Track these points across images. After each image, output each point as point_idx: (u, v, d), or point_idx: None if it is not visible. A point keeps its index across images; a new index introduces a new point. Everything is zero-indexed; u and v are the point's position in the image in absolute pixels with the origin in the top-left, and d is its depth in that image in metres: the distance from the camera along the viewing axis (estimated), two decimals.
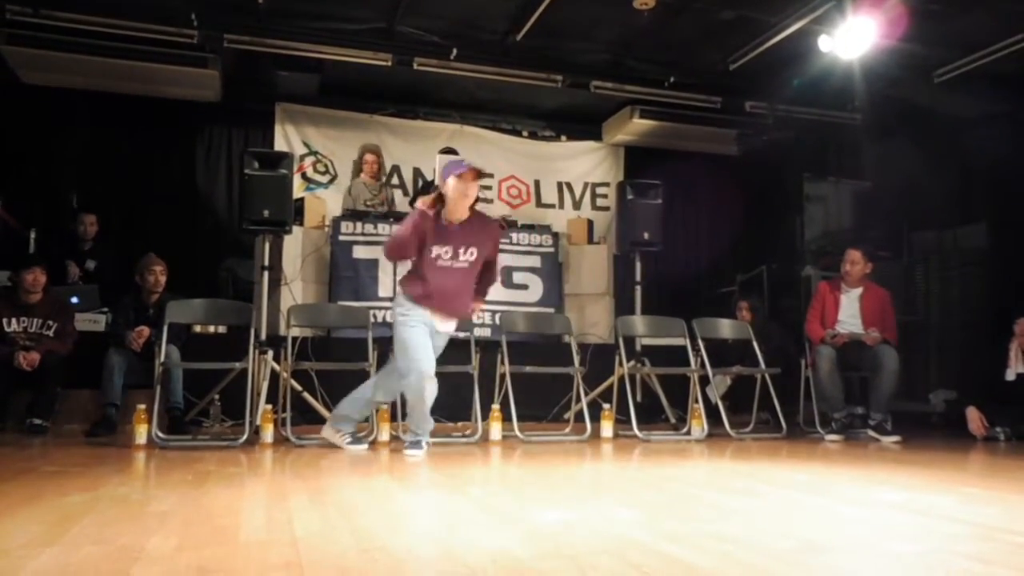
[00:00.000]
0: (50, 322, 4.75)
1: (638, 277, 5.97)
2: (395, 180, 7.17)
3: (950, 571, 1.70)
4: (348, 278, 5.61)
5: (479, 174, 3.78)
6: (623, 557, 1.74)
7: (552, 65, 6.34)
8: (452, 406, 4.59)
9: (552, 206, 7.62)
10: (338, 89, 6.79)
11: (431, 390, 3.79)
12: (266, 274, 5.04)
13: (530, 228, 6.18)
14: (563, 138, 7.76)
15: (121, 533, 1.97)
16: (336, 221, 5.75)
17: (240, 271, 5.97)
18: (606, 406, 4.82)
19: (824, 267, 6.50)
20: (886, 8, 4.92)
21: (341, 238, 5.67)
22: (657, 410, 5.48)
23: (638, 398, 5.38)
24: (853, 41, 5.06)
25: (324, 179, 7.08)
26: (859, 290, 5.18)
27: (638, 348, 5.58)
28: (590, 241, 6.62)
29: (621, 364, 5.05)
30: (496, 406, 4.49)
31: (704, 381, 5.16)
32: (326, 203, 6.41)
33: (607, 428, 4.68)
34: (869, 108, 6.69)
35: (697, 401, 4.91)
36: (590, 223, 6.77)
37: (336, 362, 4.75)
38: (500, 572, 1.63)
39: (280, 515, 2.26)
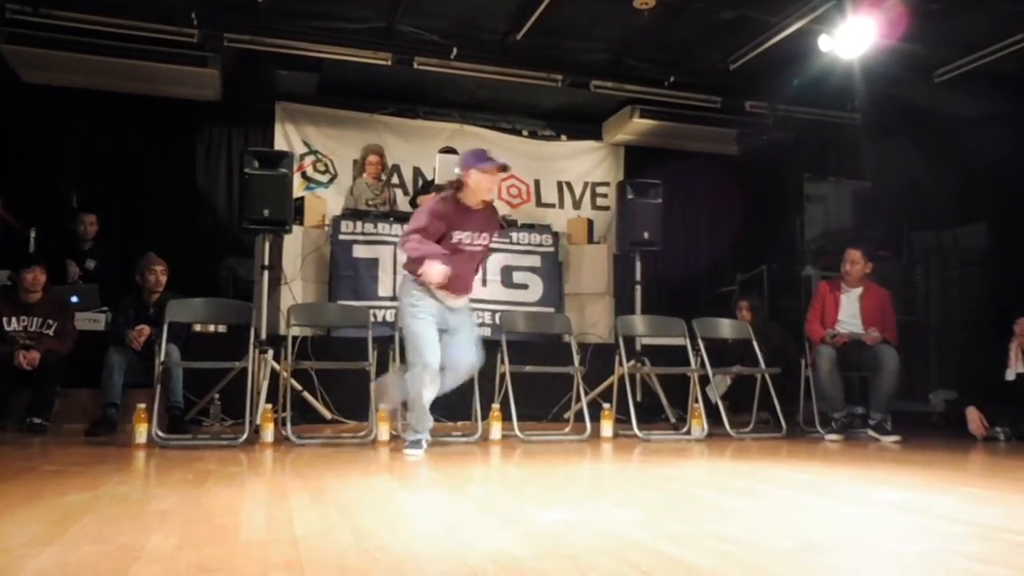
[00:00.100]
0: (50, 321, 4.74)
1: (638, 277, 5.96)
2: (395, 180, 7.16)
3: (950, 571, 1.70)
4: (348, 277, 5.60)
5: (503, 168, 3.88)
6: (623, 557, 1.74)
7: (552, 64, 6.33)
8: (452, 405, 4.59)
9: (552, 206, 7.62)
10: (338, 88, 6.80)
11: (433, 387, 3.81)
12: (266, 273, 5.04)
13: (530, 228, 6.18)
14: (563, 138, 7.76)
15: (121, 532, 1.98)
16: (336, 220, 5.74)
17: (240, 270, 5.97)
18: (606, 406, 4.82)
19: (824, 267, 6.49)
20: (886, 8, 4.92)
21: (341, 237, 5.66)
22: (657, 410, 5.48)
23: (638, 398, 5.37)
24: (853, 41, 5.06)
25: (324, 178, 7.08)
26: (859, 290, 5.18)
27: (638, 348, 5.58)
28: (590, 241, 6.61)
29: (621, 364, 5.04)
30: (496, 406, 4.50)
31: (704, 381, 5.15)
32: (326, 202, 6.41)
33: (607, 428, 4.68)
34: (869, 108, 6.69)
35: (697, 401, 4.91)
36: (590, 223, 6.77)
37: (336, 361, 4.76)
38: (500, 572, 1.63)
39: (280, 514, 2.26)
